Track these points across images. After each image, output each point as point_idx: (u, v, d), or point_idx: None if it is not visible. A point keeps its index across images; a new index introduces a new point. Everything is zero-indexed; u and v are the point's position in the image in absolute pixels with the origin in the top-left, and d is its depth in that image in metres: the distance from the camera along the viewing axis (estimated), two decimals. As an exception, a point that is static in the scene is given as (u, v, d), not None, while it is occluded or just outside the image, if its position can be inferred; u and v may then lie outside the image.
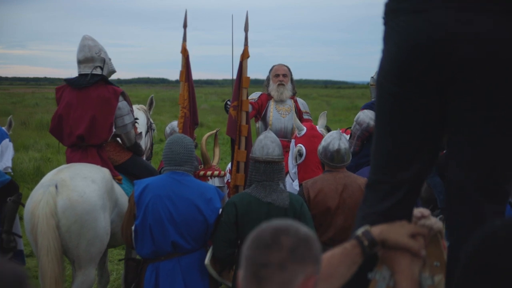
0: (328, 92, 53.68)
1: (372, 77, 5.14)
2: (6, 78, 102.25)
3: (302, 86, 68.85)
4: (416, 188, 1.82)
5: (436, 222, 1.84)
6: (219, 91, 50.32)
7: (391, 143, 1.79)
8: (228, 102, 5.50)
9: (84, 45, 4.50)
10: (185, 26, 4.19)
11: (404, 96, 1.74)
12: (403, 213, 1.78)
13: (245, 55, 3.89)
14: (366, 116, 4.81)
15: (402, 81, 1.73)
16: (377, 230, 1.64)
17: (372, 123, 4.77)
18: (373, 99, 5.06)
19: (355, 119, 4.95)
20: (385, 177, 1.80)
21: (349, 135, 4.95)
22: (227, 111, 5.51)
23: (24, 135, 14.92)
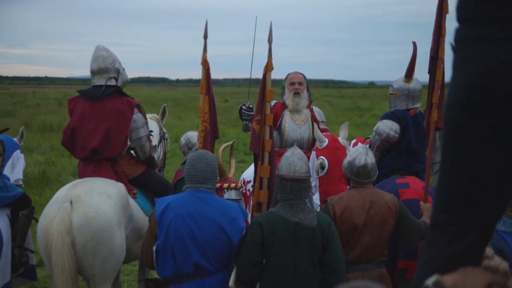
0: (329, 92, 53.67)
1: (392, 85, 5.01)
2: (7, 77, 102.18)
3: (303, 86, 68.58)
4: (488, 232, 1.68)
5: (501, 263, 1.71)
6: (221, 91, 50.25)
7: (460, 180, 1.64)
8: (243, 107, 5.32)
9: (98, 55, 4.38)
10: (205, 37, 4.04)
11: (474, 130, 1.59)
12: (473, 259, 1.63)
13: (268, 68, 3.74)
14: (386, 126, 4.70)
15: (473, 113, 1.58)
16: (449, 280, 1.49)
17: (392, 133, 4.66)
18: (392, 109, 4.94)
19: (374, 129, 4.84)
20: (453, 218, 1.65)
21: (368, 145, 4.83)
22: (241, 117, 5.34)
23: (27, 137, 14.70)
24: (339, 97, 43.59)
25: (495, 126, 1.58)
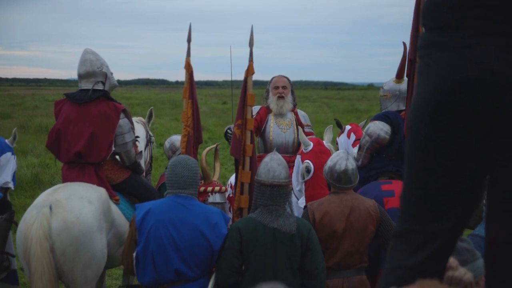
0: (328, 94, 53.66)
1: (382, 87, 4.97)
2: (6, 79, 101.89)
3: (302, 88, 68.91)
4: (452, 241, 1.65)
5: (465, 274, 1.67)
6: (219, 93, 50.23)
7: (424, 189, 1.63)
8: (229, 131, 5.30)
9: (86, 59, 4.35)
10: (189, 40, 4.01)
11: (438, 140, 1.57)
12: (437, 269, 1.61)
13: (249, 72, 3.71)
14: (377, 128, 4.61)
15: (436, 123, 1.57)
16: None
17: (382, 134, 4.57)
18: (383, 110, 4.89)
19: (364, 130, 4.77)
20: (418, 227, 1.63)
21: (357, 147, 4.79)
22: (226, 139, 5.30)
23: (23, 139, 14.72)
24: (338, 99, 43.52)
25: (461, 139, 1.56)
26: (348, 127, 5.51)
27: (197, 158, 3.99)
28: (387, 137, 4.59)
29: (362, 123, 5.83)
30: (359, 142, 4.83)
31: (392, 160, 4.64)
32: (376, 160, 4.70)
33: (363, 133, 4.76)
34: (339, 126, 5.61)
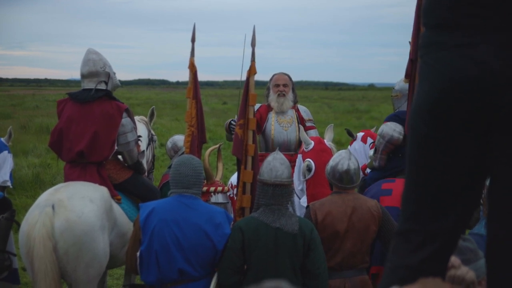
0: (329, 94, 53.67)
1: (394, 88, 5.00)
2: (7, 80, 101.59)
3: (303, 88, 68.92)
4: (453, 240, 1.66)
5: (467, 272, 1.68)
6: (220, 93, 50.26)
7: (424, 187, 1.64)
8: (233, 122, 5.30)
9: (89, 59, 4.36)
10: (193, 40, 4.03)
11: (438, 137, 1.58)
12: (438, 268, 1.61)
13: (252, 71, 3.73)
14: (390, 128, 4.63)
15: (436, 120, 1.57)
16: None
17: (396, 135, 4.59)
18: (396, 110, 4.91)
19: (378, 132, 4.80)
20: (418, 227, 1.64)
21: (373, 149, 4.81)
22: (231, 131, 5.32)
23: (24, 139, 14.74)
24: (339, 99, 43.52)
25: (460, 138, 1.56)
26: (360, 134, 5.55)
27: (201, 158, 4.00)
28: (401, 137, 4.60)
29: (373, 129, 5.88)
30: (375, 144, 4.85)
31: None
32: (393, 160, 4.71)
33: (377, 135, 4.78)
34: (351, 135, 5.66)
